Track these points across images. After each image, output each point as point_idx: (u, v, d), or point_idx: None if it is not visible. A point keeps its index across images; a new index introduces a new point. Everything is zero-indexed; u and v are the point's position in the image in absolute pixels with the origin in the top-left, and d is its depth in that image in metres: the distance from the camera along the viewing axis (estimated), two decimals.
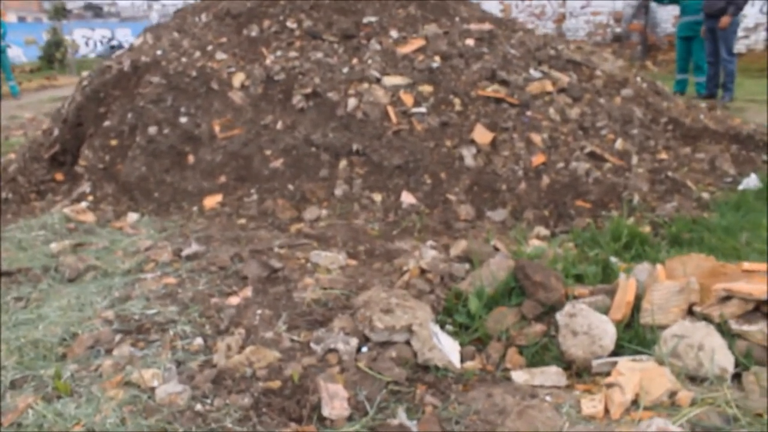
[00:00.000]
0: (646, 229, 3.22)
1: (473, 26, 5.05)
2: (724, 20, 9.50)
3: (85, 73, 5.98)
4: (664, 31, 16.70)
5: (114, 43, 49.69)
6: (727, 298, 2.11)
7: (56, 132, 5.53)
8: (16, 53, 20.69)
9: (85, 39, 47.17)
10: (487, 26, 5.07)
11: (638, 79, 5.58)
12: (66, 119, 5.43)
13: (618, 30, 17.46)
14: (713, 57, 9.99)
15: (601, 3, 17.29)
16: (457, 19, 5.32)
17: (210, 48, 4.78)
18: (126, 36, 52.64)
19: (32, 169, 5.36)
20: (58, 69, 22.62)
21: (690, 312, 2.19)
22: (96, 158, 4.64)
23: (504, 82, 4.42)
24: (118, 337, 2.33)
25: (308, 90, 4.22)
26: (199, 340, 2.32)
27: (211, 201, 4.06)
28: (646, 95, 5.02)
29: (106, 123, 4.78)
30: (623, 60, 18.44)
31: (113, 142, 4.67)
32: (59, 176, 5.17)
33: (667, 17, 17.42)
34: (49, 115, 11.71)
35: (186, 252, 3.20)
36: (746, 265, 2.25)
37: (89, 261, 3.16)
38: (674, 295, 2.20)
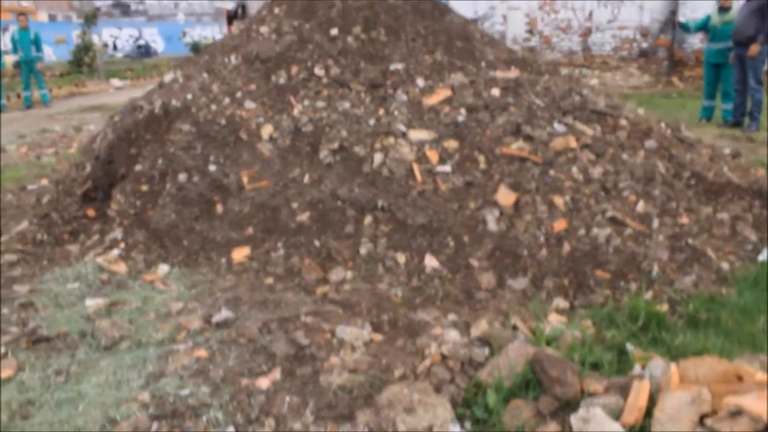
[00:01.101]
0: (664, 307, 3.28)
1: (499, 74, 5.12)
2: (753, 48, 9.48)
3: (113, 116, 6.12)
4: (691, 46, 16.59)
5: (141, 42, 50.19)
6: (737, 413, 2.18)
7: (88, 168, 5.70)
8: (46, 52, 20.96)
9: (113, 38, 47.77)
10: (512, 74, 5.14)
11: (662, 125, 5.61)
12: (98, 156, 5.60)
13: (644, 45, 17.37)
14: (741, 85, 9.97)
15: (627, 18, 17.21)
16: (483, 63, 5.40)
17: (239, 95, 4.90)
18: (153, 35, 53.14)
19: (65, 204, 5.54)
20: (87, 73, 23.05)
21: (701, 422, 2.26)
22: (128, 203, 4.78)
23: (528, 138, 4.48)
24: (155, 426, 2.45)
25: (335, 145, 4.33)
26: (231, 429, 2.44)
27: (239, 254, 4.18)
28: (669, 146, 5.06)
29: (138, 167, 4.92)
30: (649, 75, 18.38)
31: (144, 188, 4.80)
32: (91, 212, 5.34)
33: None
34: (79, 129, 11.97)
35: (216, 318, 3.33)
36: (759, 376, 2.31)
37: (123, 327, 3.29)
38: (686, 405, 2.27)
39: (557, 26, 17.73)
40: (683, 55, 17.02)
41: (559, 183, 4.17)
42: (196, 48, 38.75)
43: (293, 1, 5.85)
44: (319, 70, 4.93)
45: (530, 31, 18.00)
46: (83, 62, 24.07)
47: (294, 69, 5.00)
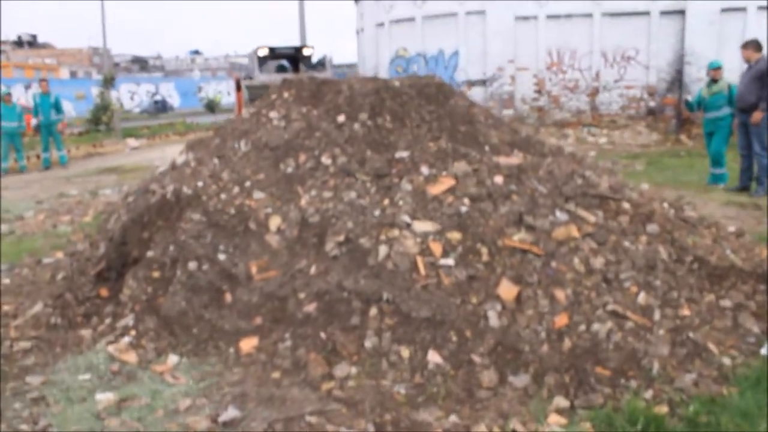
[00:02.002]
0: (664, 409, 3.31)
1: (502, 160, 5.25)
2: (756, 116, 9.65)
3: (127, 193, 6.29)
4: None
5: (158, 98, 51.54)
6: None
7: (102, 248, 5.85)
8: (66, 108, 21.51)
9: (131, 94, 49.17)
10: (515, 160, 5.27)
11: (665, 205, 5.70)
12: (112, 237, 5.75)
13: (652, 104, 17.58)
14: (746, 150, 10.12)
15: (634, 77, 17.49)
16: (486, 147, 5.54)
17: (248, 184, 5.05)
18: (169, 90, 54.57)
19: (79, 284, 5.67)
20: (105, 132, 23.62)
21: None
22: (139, 289, 4.90)
23: (530, 227, 4.58)
24: None
25: (341, 237, 4.44)
26: None
27: (247, 345, 4.27)
28: (671, 229, 5.13)
29: (150, 253, 5.05)
30: (658, 133, 18.58)
31: (156, 274, 4.93)
32: (104, 292, 5.47)
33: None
34: (95, 194, 12.21)
35: (223, 418, 3.40)
36: None
37: (132, 426, 3.37)
38: None
39: (565, 86, 18.02)
40: (690, 114, 17.22)
41: (560, 275, 4.25)
42: (210, 106, 39.78)
43: (302, 86, 6.06)
44: (326, 159, 5.09)
45: (538, 91, 18.29)
46: (101, 121, 24.71)
47: (302, 158, 5.16)
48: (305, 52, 13.64)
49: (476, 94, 18.44)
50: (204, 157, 5.77)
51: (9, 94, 16.62)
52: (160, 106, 46.78)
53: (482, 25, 18.17)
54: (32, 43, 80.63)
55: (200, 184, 5.23)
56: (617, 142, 17.27)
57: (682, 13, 16.78)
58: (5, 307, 5.68)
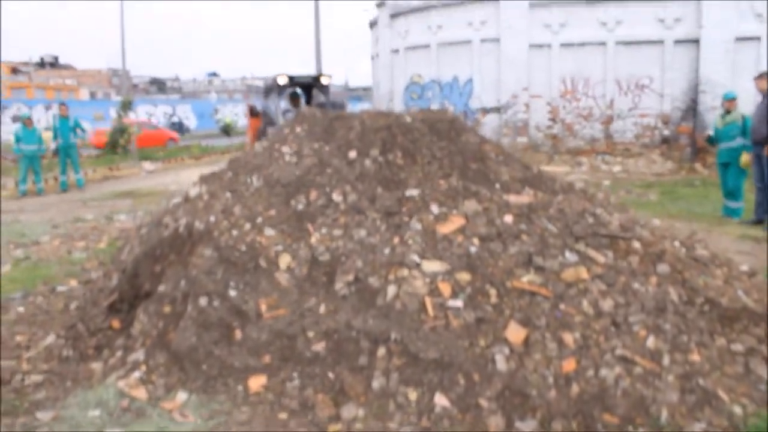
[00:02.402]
0: None
1: (512, 198, 5.27)
2: None
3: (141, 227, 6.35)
4: None
5: (175, 119, 52.23)
6: None
7: (115, 280, 5.91)
8: (86, 127, 21.77)
9: (149, 115, 49.84)
10: (525, 199, 5.28)
11: (677, 243, 5.67)
12: (125, 269, 5.81)
13: (666, 132, 17.56)
14: (761, 183, 10.09)
15: (648, 106, 17.49)
16: (497, 185, 5.56)
17: (259, 220, 5.10)
18: (186, 112, 55.33)
19: (92, 315, 5.74)
20: (121, 154, 23.91)
21: None
22: (150, 324, 4.93)
23: (540, 269, 4.58)
24: None
25: (351, 276, 4.47)
26: None
27: (256, 383, 4.29)
28: (682, 269, 5.10)
29: (161, 287, 5.10)
30: (672, 162, 18.52)
31: (167, 309, 4.97)
32: (115, 324, 5.53)
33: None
34: (110, 219, 12.33)
35: None
36: None
37: None
38: None
39: (579, 114, 18.05)
40: (705, 142, 17.20)
41: (569, 318, 4.24)
42: (226, 130, 40.24)
43: (315, 121, 6.13)
44: (337, 196, 5.13)
45: (552, 119, 18.33)
46: (118, 144, 25.03)
47: (313, 194, 5.20)
48: (323, 81, 13.54)
49: (490, 121, 18.53)
50: (217, 191, 5.83)
51: (29, 118, 16.93)
52: (177, 128, 47.43)
53: (497, 52, 18.28)
54: (54, 64, 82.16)
55: (212, 219, 5.28)
56: (631, 170, 17.23)
57: (696, 42, 16.80)
58: (18, 338, 5.76)
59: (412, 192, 5.15)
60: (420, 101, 19.97)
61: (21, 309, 6.68)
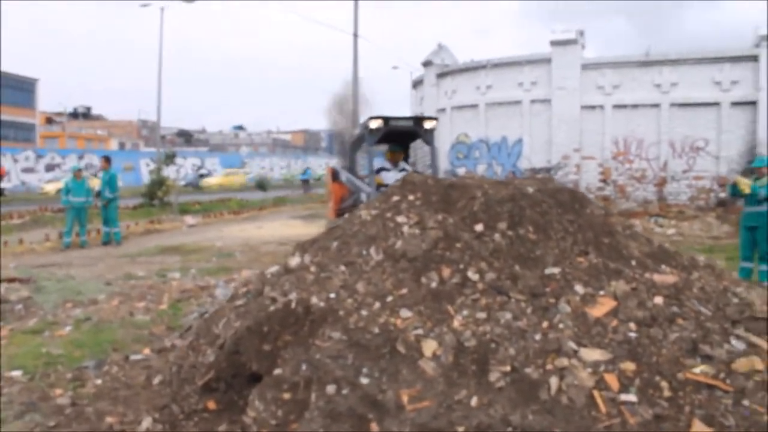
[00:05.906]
0: None
1: (657, 278, 4.91)
2: None
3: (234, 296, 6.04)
4: None
5: (203, 171, 52.84)
6: None
7: (211, 357, 5.52)
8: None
9: (177, 167, 50.38)
10: (671, 278, 4.92)
11: None
12: (222, 345, 5.43)
13: (722, 194, 17.20)
14: None
15: (703, 168, 17.20)
16: (633, 263, 5.21)
17: (390, 299, 4.75)
18: (214, 164, 56.20)
19: (183, 394, 5.35)
20: (159, 206, 23.81)
21: None
22: (268, 412, 4.54)
23: (707, 357, 4.19)
24: None
25: (506, 367, 4.10)
26: None
27: None
28: None
29: (277, 371, 4.72)
30: (729, 225, 18.11)
31: (286, 396, 4.58)
32: (211, 404, 5.16)
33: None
34: (163, 276, 12.08)
35: None
36: None
37: None
38: None
39: (632, 176, 17.77)
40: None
41: (757, 416, 3.83)
42: (261, 185, 39.82)
43: (429, 189, 5.83)
44: (473, 274, 4.79)
45: (604, 180, 18.05)
46: (156, 195, 24.98)
47: (446, 272, 4.86)
48: (427, 125, 10.12)
49: None
50: (326, 263, 5.50)
51: (80, 170, 16.94)
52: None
53: (548, 113, 18.16)
54: (86, 114, 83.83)
55: (333, 296, 4.94)
56: (686, 233, 16.82)
57: (753, 103, 16.57)
58: (109, 419, 5.40)
59: (553, 270, 4.81)
60: (466, 161, 19.81)
61: (98, 381, 6.35)
